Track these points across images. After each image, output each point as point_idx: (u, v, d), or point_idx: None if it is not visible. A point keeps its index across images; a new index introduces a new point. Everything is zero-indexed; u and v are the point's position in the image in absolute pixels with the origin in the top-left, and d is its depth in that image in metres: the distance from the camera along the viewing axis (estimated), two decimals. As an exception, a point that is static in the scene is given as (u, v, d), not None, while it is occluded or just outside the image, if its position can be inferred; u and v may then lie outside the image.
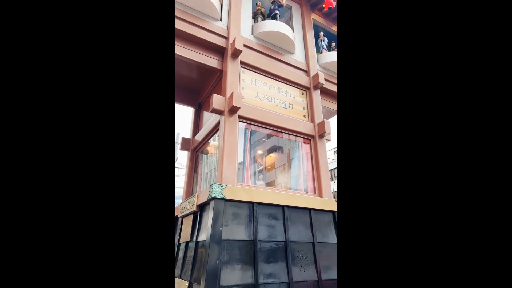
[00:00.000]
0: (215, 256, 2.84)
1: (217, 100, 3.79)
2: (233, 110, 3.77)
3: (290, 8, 5.77)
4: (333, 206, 4.02)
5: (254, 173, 5.77)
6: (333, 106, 5.59)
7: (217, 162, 3.70)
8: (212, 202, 3.15)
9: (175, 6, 3.98)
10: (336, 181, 21.77)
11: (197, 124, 5.68)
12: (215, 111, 3.83)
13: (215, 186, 3.18)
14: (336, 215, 4.01)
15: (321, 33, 6.07)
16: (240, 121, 3.92)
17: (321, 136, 4.60)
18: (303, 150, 4.69)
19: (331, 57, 5.55)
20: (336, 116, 6.09)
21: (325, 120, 4.59)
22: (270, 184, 5.69)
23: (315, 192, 4.26)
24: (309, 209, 3.79)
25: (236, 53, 4.17)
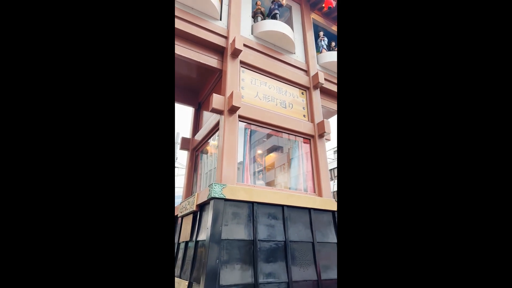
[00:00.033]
0: (214, 255, 2.84)
1: (216, 100, 3.79)
2: (232, 109, 3.77)
3: (290, 8, 5.77)
4: (333, 206, 4.02)
5: (254, 173, 5.77)
6: (333, 106, 5.59)
7: (217, 161, 3.70)
8: (211, 202, 3.15)
9: (175, 5, 3.98)
10: (335, 180, 21.78)
11: (196, 124, 5.67)
12: (215, 110, 3.83)
13: (215, 185, 3.18)
14: (336, 215, 4.01)
15: (321, 33, 6.07)
16: (239, 120, 3.92)
17: (321, 135, 4.60)
18: (302, 149, 4.69)
19: (331, 56, 5.55)
20: (335, 116, 6.09)
21: (324, 119, 4.59)
22: (269, 183, 5.69)
23: (314, 192, 4.27)
24: (309, 209, 3.79)
25: (236, 53, 4.16)
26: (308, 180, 4.44)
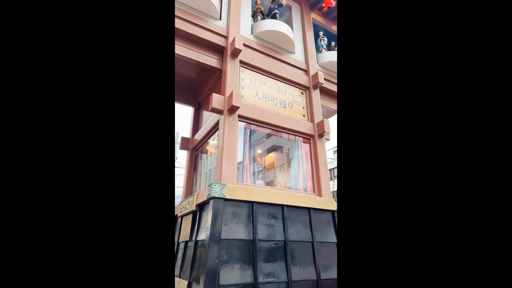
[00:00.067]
0: (214, 255, 2.84)
1: (216, 100, 3.78)
2: (232, 109, 3.77)
3: (289, 8, 5.77)
4: (333, 206, 4.02)
5: (254, 173, 5.77)
6: (333, 105, 5.59)
7: (217, 161, 3.70)
8: (211, 202, 3.15)
9: (175, 5, 3.97)
10: (335, 180, 21.79)
11: (196, 124, 5.67)
12: (215, 110, 3.82)
13: (215, 185, 3.18)
14: (335, 215, 4.01)
15: (321, 33, 6.07)
16: (239, 120, 3.92)
17: (321, 135, 4.60)
18: (302, 149, 4.69)
19: (331, 56, 5.55)
20: (335, 115, 6.09)
21: (324, 119, 4.59)
22: (269, 183, 5.69)
23: (314, 192, 4.27)
24: (309, 209, 3.79)
25: (235, 53, 4.16)
26: (307, 180, 4.45)
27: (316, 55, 5.60)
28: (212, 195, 3.12)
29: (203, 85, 5.48)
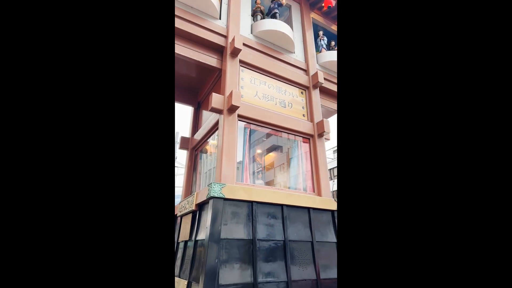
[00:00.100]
0: (214, 255, 2.84)
1: (216, 99, 3.78)
2: (232, 109, 3.76)
3: (289, 7, 5.77)
4: (332, 205, 4.03)
5: (253, 172, 5.77)
6: (332, 105, 5.59)
7: (216, 161, 3.70)
8: (211, 201, 3.15)
9: (175, 4, 3.96)
10: (335, 180, 21.80)
11: (196, 123, 5.67)
12: (214, 110, 3.82)
13: (214, 185, 3.18)
14: (335, 214, 4.01)
15: (321, 32, 6.06)
16: (239, 120, 3.92)
17: (320, 135, 4.60)
18: (302, 149, 4.69)
19: (331, 56, 5.55)
20: (334, 115, 6.09)
21: (324, 119, 4.59)
22: (269, 183, 5.69)
23: (314, 191, 4.27)
24: (308, 208, 3.79)
25: (235, 52, 4.16)
26: (307, 180, 4.45)
27: (316, 54, 5.60)
28: (212, 195, 3.12)
29: (203, 85, 5.48)
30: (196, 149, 5.34)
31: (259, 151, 5.81)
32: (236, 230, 3.14)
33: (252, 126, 4.28)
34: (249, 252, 3.09)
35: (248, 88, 4.27)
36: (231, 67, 4.13)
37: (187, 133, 5.79)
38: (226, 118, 3.74)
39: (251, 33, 4.76)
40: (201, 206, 3.59)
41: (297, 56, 5.20)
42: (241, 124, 4.12)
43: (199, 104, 5.74)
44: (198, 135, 5.13)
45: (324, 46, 5.90)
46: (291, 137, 4.62)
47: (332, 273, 3.55)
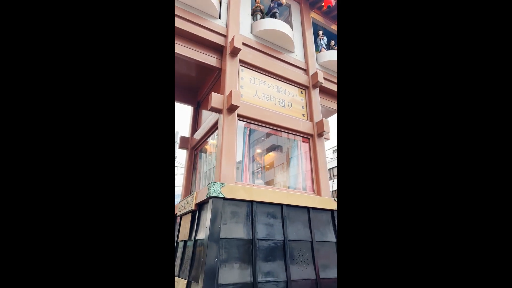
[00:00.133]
0: (213, 254, 2.84)
1: (215, 99, 3.78)
2: (231, 108, 3.76)
3: (289, 7, 5.76)
4: (332, 205, 4.03)
5: (253, 172, 5.77)
6: (332, 105, 5.59)
7: (216, 160, 3.70)
8: (210, 201, 3.15)
9: (175, 4, 3.96)
10: (334, 180, 21.82)
11: (195, 123, 5.66)
12: (214, 109, 3.82)
13: (214, 184, 3.18)
14: (335, 214, 4.01)
15: (320, 32, 6.06)
16: (239, 119, 3.91)
17: (320, 135, 4.60)
18: (302, 149, 4.70)
19: (330, 56, 5.55)
20: (334, 115, 6.09)
21: (324, 119, 4.59)
22: (269, 183, 5.69)
23: (313, 191, 4.27)
24: (308, 208, 3.79)
25: (235, 52, 4.15)
26: (307, 179, 4.45)
27: (316, 54, 5.60)
28: (211, 194, 3.11)
29: (203, 84, 5.47)
30: (195, 148, 5.34)
31: (258, 150, 5.81)
32: (236, 230, 3.14)
33: (252, 126, 4.28)
34: (248, 251, 3.09)
35: (247, 88, 4.27)
36: (231, 67, 4.12)
37: (186, 133, 5.79)
38: (226, 117, 3.74)
39: (251, 32, 4.76)
40: (200, 206, 3.59)
41: (297, 56, 5.20)
42: (241, 124, 4.12)
43: (199, 104, 5.73)
44: (198, 135, 5.12)
45: (324, 45, 5.90)
46: (291, 136, 4.62)
47: (332, 273, 3.55)
